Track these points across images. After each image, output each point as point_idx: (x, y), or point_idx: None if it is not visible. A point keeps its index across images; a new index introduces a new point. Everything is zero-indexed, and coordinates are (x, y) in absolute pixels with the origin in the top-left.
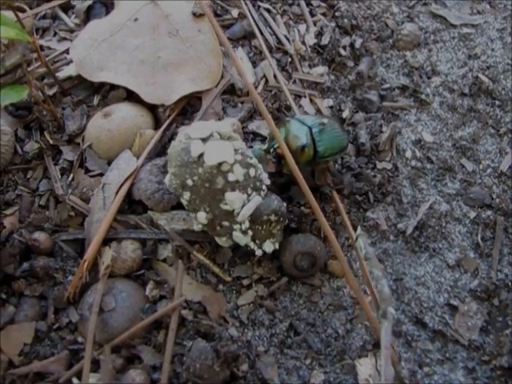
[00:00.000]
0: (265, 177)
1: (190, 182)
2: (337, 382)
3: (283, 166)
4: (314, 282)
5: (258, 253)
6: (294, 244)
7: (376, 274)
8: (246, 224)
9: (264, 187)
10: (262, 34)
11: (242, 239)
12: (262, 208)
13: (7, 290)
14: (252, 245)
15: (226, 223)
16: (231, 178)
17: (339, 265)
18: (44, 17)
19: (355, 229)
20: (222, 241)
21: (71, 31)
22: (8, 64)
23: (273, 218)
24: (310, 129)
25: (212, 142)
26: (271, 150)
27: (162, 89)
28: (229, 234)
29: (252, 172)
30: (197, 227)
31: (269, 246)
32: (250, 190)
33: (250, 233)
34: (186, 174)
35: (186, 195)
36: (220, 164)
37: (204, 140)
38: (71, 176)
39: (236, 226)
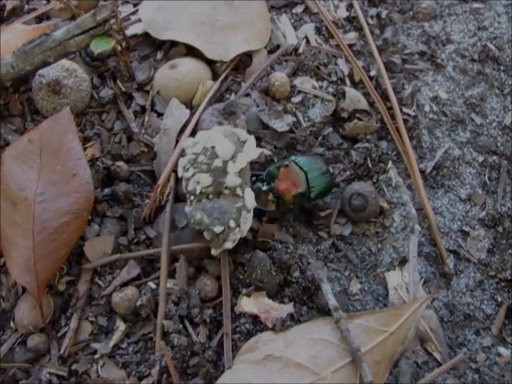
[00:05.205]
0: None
1: None
2: (370, 290)
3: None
4: None
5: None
6: (355, 185)
7: (404, 199)
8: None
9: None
10: (303, 2)
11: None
12: None
13: (92, 212)
14: None
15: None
16: None
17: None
18: None
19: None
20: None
21: None
22: (99, 18)
23: None
24: (306, 174)
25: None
26: (272, 190)
27: (220, 47)
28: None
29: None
30: None
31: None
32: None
33: None
34: None
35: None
36: None
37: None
38: (146, 117)
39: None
